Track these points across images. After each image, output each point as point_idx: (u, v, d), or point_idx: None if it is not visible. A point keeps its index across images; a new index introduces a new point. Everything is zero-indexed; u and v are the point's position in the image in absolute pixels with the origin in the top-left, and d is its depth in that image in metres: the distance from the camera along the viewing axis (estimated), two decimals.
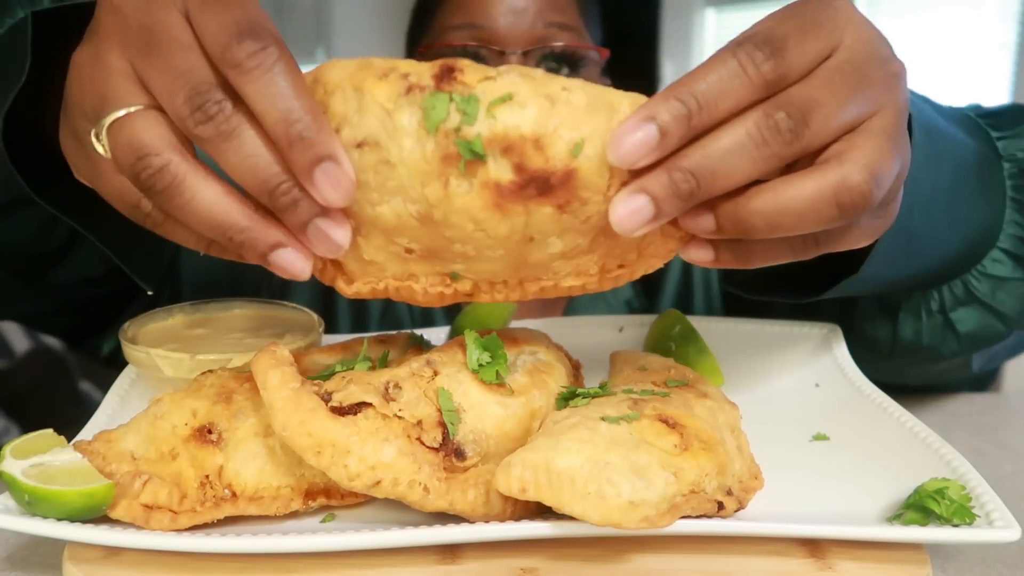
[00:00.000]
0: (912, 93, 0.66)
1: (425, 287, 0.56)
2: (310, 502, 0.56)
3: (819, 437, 0.69)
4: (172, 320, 0.81)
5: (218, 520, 0.54)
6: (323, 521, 0.57)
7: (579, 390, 0.63)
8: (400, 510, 0.56)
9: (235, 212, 0.47)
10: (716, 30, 4.90)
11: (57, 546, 0.58)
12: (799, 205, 0.47)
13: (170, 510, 0.53)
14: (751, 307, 0.93)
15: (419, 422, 0.55)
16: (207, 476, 0.55)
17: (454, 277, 0.56)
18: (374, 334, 0.71)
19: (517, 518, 0.55)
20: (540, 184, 0.47)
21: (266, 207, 0.48)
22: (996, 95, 3.99)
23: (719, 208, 0.49)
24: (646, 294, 1.20)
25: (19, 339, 4.34)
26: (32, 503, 0.52)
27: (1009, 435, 0.87)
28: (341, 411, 0.53)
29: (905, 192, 0.57)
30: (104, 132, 0.48)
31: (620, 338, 0.89)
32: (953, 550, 0.62)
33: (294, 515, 0.57)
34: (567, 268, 0.55)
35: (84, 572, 0.52)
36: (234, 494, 0.55)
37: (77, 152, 0.54)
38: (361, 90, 0.47)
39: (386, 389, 0.55)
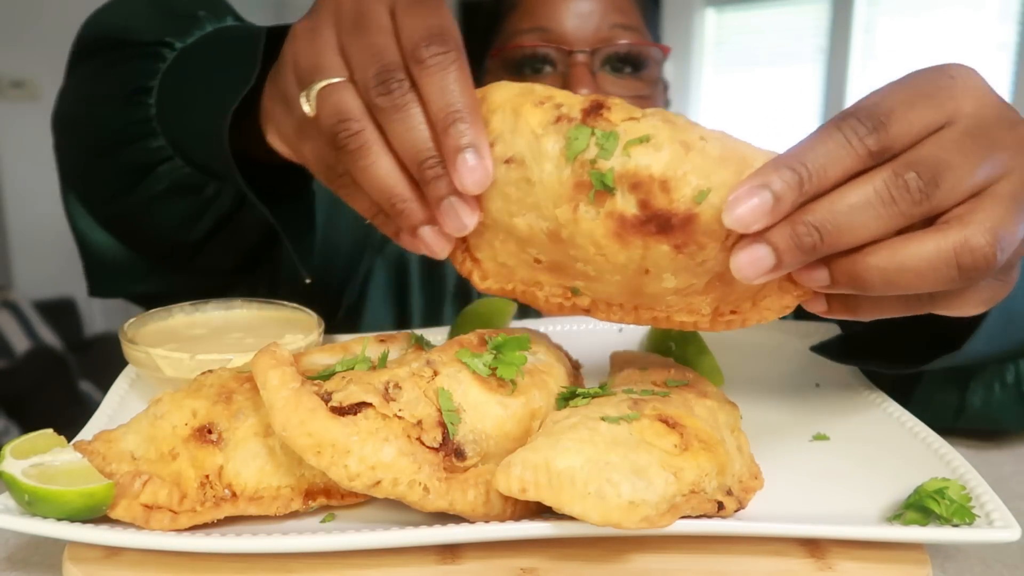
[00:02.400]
0: None
1: (548, 295, 0.61)
2: (310, 502, 0.56)
3: (819, 437, 0.69)
4: (172, 320, 0.81)
5: (218, 520, 0.54)
6: (323, 521, 0.57)
7: (579, 390, 0.63)
8: (400, 510, 0.56)
9: (403, 184, 0.55)
10: (716, 30, 4.90)
11: (57, 546, 0.58)
12: (918, 264, 0.47)
13: (170, 510, 0.53)
14: None
15: (419, 422, 0.55)
16: (207, 476, 0.55)
17: (575, 292, 0.60)
18: (374, 334, 0.71)
19: (517, 518, 0.54)
20: (661, 223, 0.51)
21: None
22: None
23: (834, 263, 0.49)
24: None
25: (19, 339, 4.35)
26: (32, 503, 0.52)
27: (1009, 435, 0.87)
28: (341, 411, 0.53)
29: None
30: (314, 95, 0.56)
31: (620, 338, 0.89)
32: (953, 550, 0.62)
33: (294, 515, 0.57)
34: (680, 304, 0.58)
35: (84, 572, 0.52)
36: (234, 494, 0.55)
37: (284, 114, 0.63)
38: (518, 113, 0.53)
39: (386, 389, 0.55)
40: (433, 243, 0.57)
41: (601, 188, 0.51)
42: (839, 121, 0.48)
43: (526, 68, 1.15)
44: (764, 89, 4.73)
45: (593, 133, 0.51)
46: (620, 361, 0.75)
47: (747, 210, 0.47)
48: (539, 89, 0.55)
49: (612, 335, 0.89)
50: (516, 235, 0.57)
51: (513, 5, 1.20)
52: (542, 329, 0.87)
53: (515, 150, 0.53)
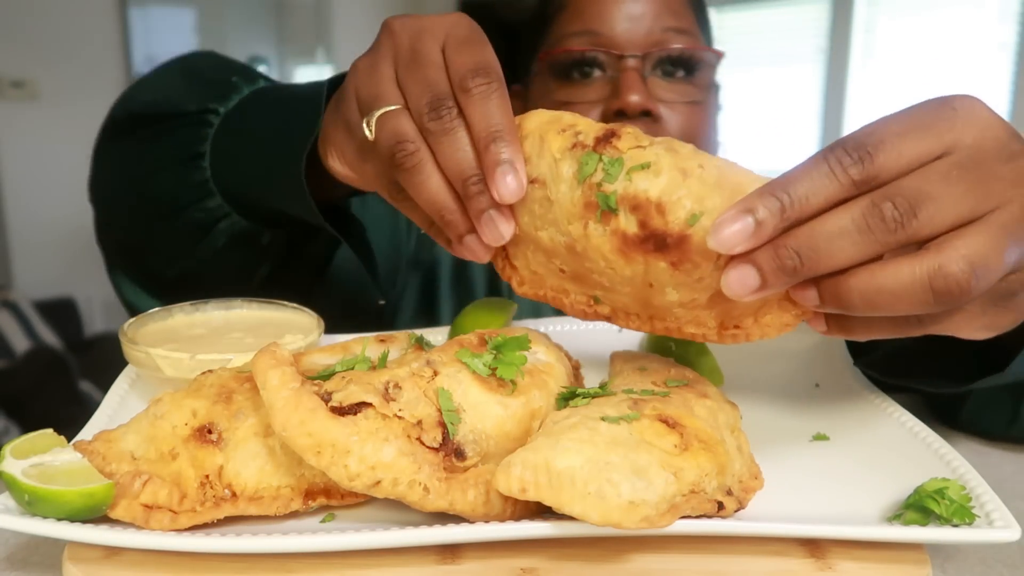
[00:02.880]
0: None
1: (573, 302, 0.66)
2: (310, 502, 0.56)
3: (819, 437, 0.69)
4: (172, 320, 0.81)
5: (218, 520, 0.54)
6: (323, 521, 0.57)
7: (579, 390, 0.63)
8: (400, 510, 0.56)
9: (450, 199, 0.61)
10: (716, 30, 4.90)
11: (57, 546, 0.58)
12: (894, 287, 0.49)
13: (170, 510, 0.53)
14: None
15: (419, 422, 0.55)
16: (207, 476, 0.55)
17: (596, 300, 0.65)
18: (374, 334, 0.71)
19: (517, 518, 0.54)
20: (657, 241, 0.56)
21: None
22: (996, 95, 3.99)
23: (822, 283, 0.52)
24: None
25: (19, 339, 4.36)
26: (32, 503, 0.52)
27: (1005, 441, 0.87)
28: (341, 411, 0.53)
29: None
30: (374, 121, 0.63)
31: (620, 338, 0.89)
32: (953, 550, 0.62)
33: (294, 515, 0.57)
34: (687, 316, 0.61)
35: (84, 572, 0.52)
36: (234, 494, 0.55)
37: (347, 140, 0.71)
38: (544, 139, 0.60)
39: (386, 389, 0.55)
40: (476, 250, 0.63)
41: (606, 208, 0.57)
42: (828, 151, 0.51)
43: (574, 72, 1.12)
44: (764, 89, 4.74)
45: (601, 159, 0.57)
46: (620, 361, 0.75)
47: (730, 234, 0.51)
48: (566, 117, 0.61)
49: (612, 335, 0.89)
50: (542, 247, 0.63)
51: (561, 6, 1.16)
52: (542, 329, 0.87)
53: (539, 172, 0.60)
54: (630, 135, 0.58)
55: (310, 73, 5.95)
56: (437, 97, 0.60)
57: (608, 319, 0.65)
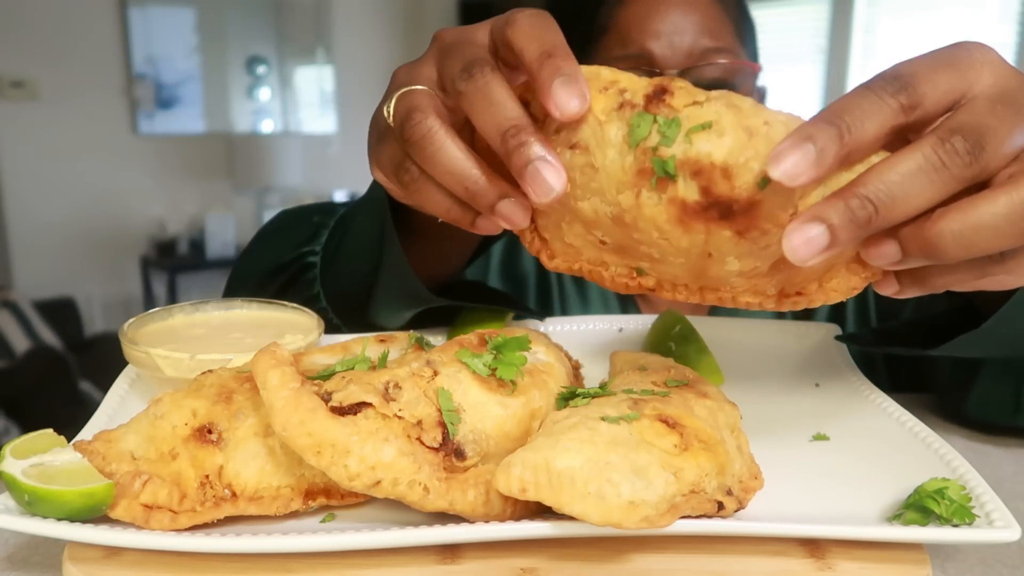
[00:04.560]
0: None
1: (613, 275, 0.62)
2: (310, 502, 0.56)
3: (819, 437, 0.69)
4: (172, 320, 0.81)
5: (218, 520, 0.54)
6: (323, 521, 0.57)
7: (579, 390, 0.63)
8: (400, 510, 0.56)
9: (472, 166, 0.57)
10: None
11: (57, 546, 0.58)
12: (992, 220, 0.48)
13: (170, 510, 0.53)
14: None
15: (419, 422, 0.55)
16: (207, 476, 0.55)
17: (640, 272, 0.61)
18: (374, 334, 0.71)
19: (517, 518, 0.54)
20: (723, 209, 0.51)
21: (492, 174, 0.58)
22: None
23: (904, 235, 0.50)
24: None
25: (19, 339, 4.35)
26: (32, 503, 0.52)
27: (1009, 435, 0.87)
28: (341, 411, 0.53)
29: None
30: (392, 103, 0.60)
31: (620, 338, 0.89)
32: (953, 550, 0.62)
33: (294, 515, 0.57)
34: (745, 285, 0.58)
35: (84, 572, 0.52)
36: (234, 494, 0.55)
37: (374, 140, 0.68)
38: None
39: (386, 389, 0.55)
40: (513, 215, 0.57)
41: (663, 175, 0.51)
42: (867, 84, 0.50)
43: None
44: None
45: (655, 120, 0.51)
46: (620, 361, 0.75)
47: (792, 163, 0.47)
48: (605, 73, 0.55)
49: (612, 335, 0.89)
50: (581, 218, 0.58)
51: (604, 29, 1.19)
52: (542, 329, 0.87)
53: (580, 136, 0.54)
54: (683, 90, 0.52)
55: (310, 73, 5.95)
56: (471, 61, 0.56)
57: (652, 291, 0.61)
